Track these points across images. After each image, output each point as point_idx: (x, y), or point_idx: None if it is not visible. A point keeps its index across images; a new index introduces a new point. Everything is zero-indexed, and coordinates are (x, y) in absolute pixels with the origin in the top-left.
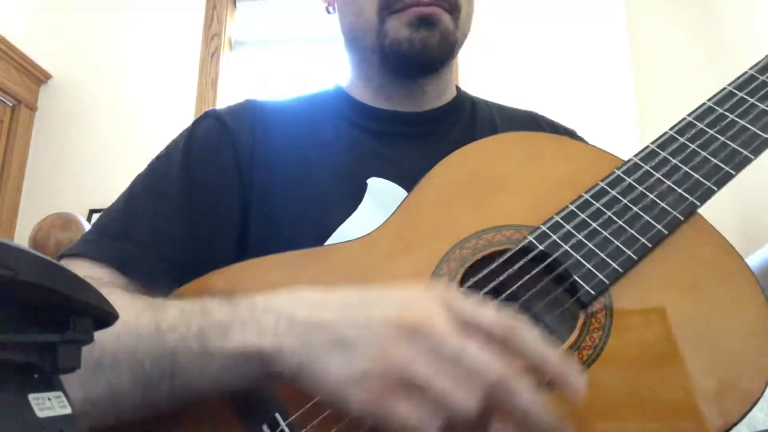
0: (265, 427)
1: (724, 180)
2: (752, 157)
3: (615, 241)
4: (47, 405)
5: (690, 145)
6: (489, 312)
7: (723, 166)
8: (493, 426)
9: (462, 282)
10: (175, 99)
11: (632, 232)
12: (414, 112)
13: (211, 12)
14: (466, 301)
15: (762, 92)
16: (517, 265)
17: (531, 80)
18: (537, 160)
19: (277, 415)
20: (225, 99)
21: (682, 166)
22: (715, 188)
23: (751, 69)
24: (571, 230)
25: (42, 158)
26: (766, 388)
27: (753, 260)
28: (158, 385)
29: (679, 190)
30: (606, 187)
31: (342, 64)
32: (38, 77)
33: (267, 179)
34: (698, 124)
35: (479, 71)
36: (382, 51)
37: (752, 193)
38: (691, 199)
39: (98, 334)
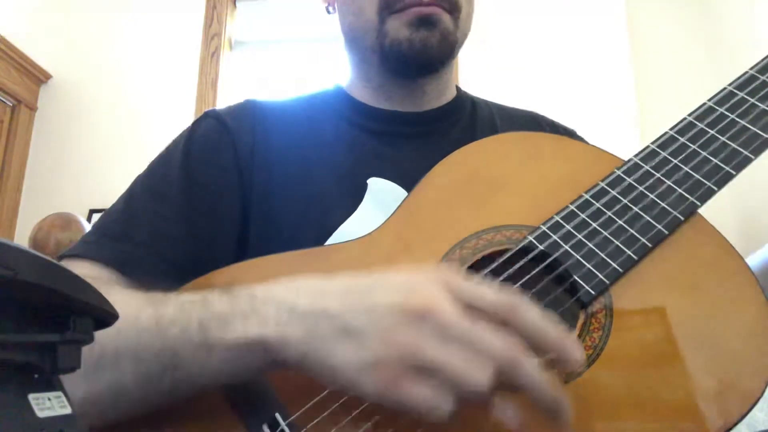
0: (265, 427)
1: (724, 180)
2: (752, 157)
3: (615, 241)
4: (47, 405)
5: (690, 145)
6: (490, 291)
7: (723, 166)
8: (496, 402)
9: None
10: (175, 99)
11: (632, 232)
12: (414, 112)
13: (211, 12)
14: (467, 282)
15: (762, 92)
16: (517, 265)
17: (531, 80)
18: (537, 160)
19: (277, 414)
20: (225, 99)
21: (683, 166)
22: (716, 188)
23: (751, 69)
24: (572, 230)
25: (42, 158)
26: (766, 388)
27: (753, 260)
28: (160, 379)
29: (680, 190)
30: (606, 187)
31: (342, 64)
32: (38, 77)
33: (267, 179)
34: (698, 124)
35: (479, 71)
36: (382, 51)
37: (752, 193)
38: (691, 199)
39: (99, 331)
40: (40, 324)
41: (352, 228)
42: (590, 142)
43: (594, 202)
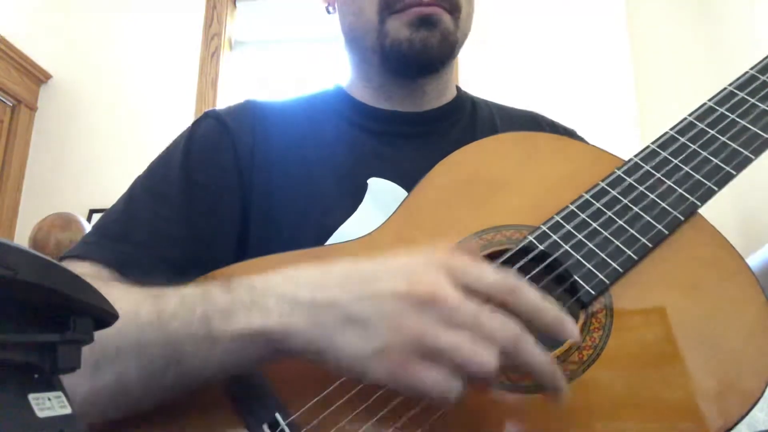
0: (265, 427)
1: (724, 180)
2: (753, 157)
3: (615, 241)
4: (47, 405)
5: (691, 145)
6: (489, 273)
7: (724, 166)
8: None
9: None
10: (175, 99)
11: (632, 232)
12: (414, 112)
13: (211, 12)
14: (466, 265)
15: (763, 92)
16: (517, 265)
17: (531, 80)
18: (537, 160)
19: (278, 414)
20: (225, 99)
21: (683, 166)
22: (716, 188)
23: (751, 69)
24: (572, 230)
25: (42, 158)
26: (766, 388)
27: (753, 260)
28: (163, 373)
29: (680, 190)
30: (606, 187)
31: (342, 64)
32: (38, 77)
33: (267, 179)
34: (699, 124)
35: (479, 71)
36: (382, 51)
37: (752, 193)
38: (691, 199)
39: None
40: (40, 324)
41: (352, 228)
42: (590, 142)
43: (594, 202)
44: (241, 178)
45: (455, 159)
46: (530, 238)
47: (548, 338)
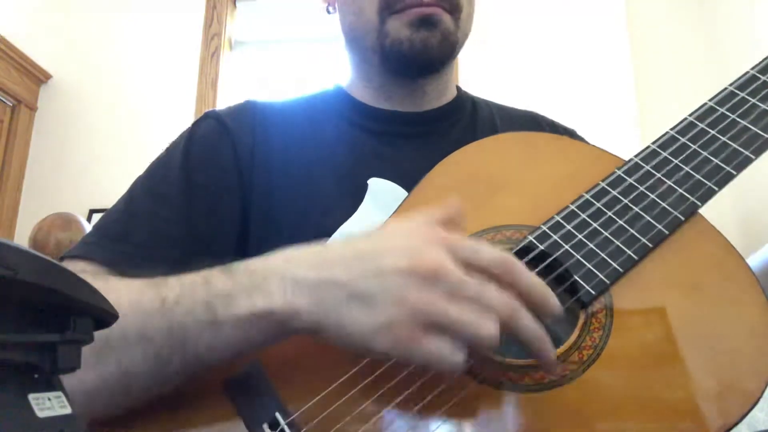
0: (265, 427)
1: (725, 180)
2: (753, 157)
3: (615, 241)
4: (47, 405)
5: (691, 145)
6: (486, 250)
7: (724, 166)
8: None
9: None
10: (175, 99)
11: (633, 232)
12: (414, 112)
13: (211, 12)
14: (465, 242)
15: (763, 92)
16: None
17: (531, 80)
18: (537, 160)
19: (278, 414)
20: (225, 99)
21: (683, 166)
22: (716, 188)
23: (752, 69)
24: (572, 230)
25: (42, 158)
26: (766, 388)
27: (753, 260)
28: (168, 360)
29: (680, 190)
30: (607, 187)
31: (342, 64)
32: (38, 77)
33: (267, 180)
34: (699, 124)
35: (479, 71)
36: (382, 51)
37: (753, 193)
38: (692, 199)
39: None
40: (40, 324)
41: (352, 228)
42: (590, 142)
43: (594, 202)
44: (241, 178)
45: (455, 159)
46: (530, 238)
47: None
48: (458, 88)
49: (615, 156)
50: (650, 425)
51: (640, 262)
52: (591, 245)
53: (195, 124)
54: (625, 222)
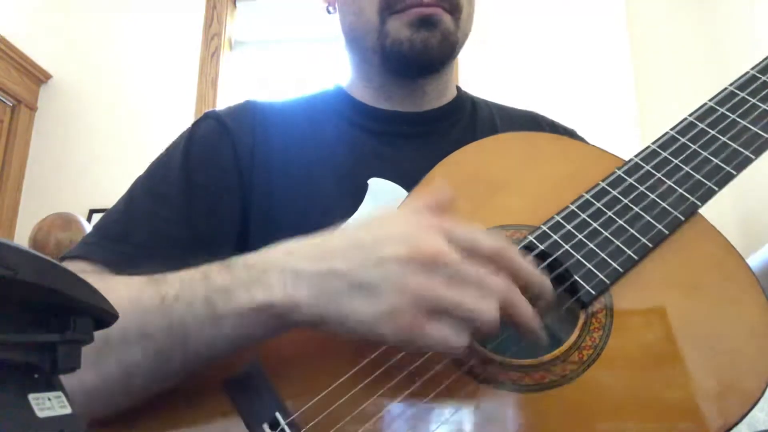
0: (265, 426)
1: (725, 180)
2: (753, 157)
3: (615, 241)
4: (47, 405)
5: (691, 145)
6: (482, 236)
7: (724, 166)
8: None
9: None
10: (175, 99)
11: (633, 232)
12: (414, 112)
13: (211, 12)
14: (460, 227)
15: (763, 92)
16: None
17: (531, 80)
18: (537, 160)
19: (278, 414)
20: (225, 99)
21: (683, 167)
22: (716, 188)
23: (752, 69)
24: (572, 230)
25: (42, 158)
26: (766, 388)
27: (753, 260)
28: (169, 356)
29: (680, 190)
30: (607, 187)
31: (342, 64)
32: (38, 77)
33: (267, 180)
34: (699, 124)
35: (479, 71)
36: (382, 51)
37: (753, 193)
38: (692, 199)
39: None
40: (40, 324)
41: None
42: (590, 142)
43: (594, 202)
44: (241, 178)
45: (455, 159)
46: (530, 237)
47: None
48: (458, 88)
49: (615, 156)
50: (650, 425)
51: (640, 262)
52: (591, 245)
53: (195, 124)
54: (625, 222)
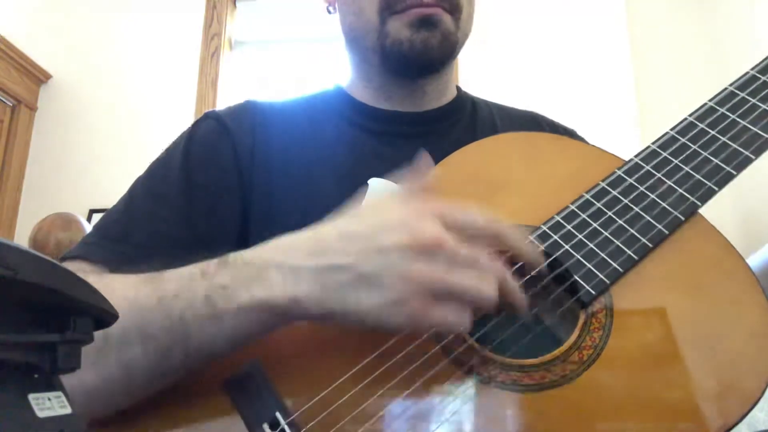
0: (265, 427)
1: (725, 180)
2: (753, 157)
3: (615, 241)
4: (47, 405)
5: (691, 145)
6: (476, 216)
7: (724, 166)
8: None
9: None
10: (175, 99)
11: (633, 232)
12: (414, 113)
13: (211, 12)
14: (453, 209)
15: (763, 93)
16: (517, 265)
17: (531, 80)
18: (537, 161)
19: (278, 413)
20: (225, 99)
21: (683, 167)
22: (716, 188)
23: (752, 69)
24: (572, 230)
25: (42, 158)
26: (766, 388)
27: (753, 260)
28: (170, 354)
29: (680, 191)
30: (607, 187)
31: (342, 64)
32: (38, 77)
33: (267, 180)
34: (699, 124)
35: (479, 71)
36: (382, 51)
37: (753, 193)
38: (692, 199)
39: None
40: (40, 324)
41: None
42: (590, 142)
43: (595, 202)
44: (241, 178)
45: (455, 159)
46: (531, 237)
47: (549, 339)
48: (458, 89)
49: (615, 156)
50: (650, 425)
51: (640, 262)
52: (591, 245)
53: (195, 124)
54: (625, 222)
